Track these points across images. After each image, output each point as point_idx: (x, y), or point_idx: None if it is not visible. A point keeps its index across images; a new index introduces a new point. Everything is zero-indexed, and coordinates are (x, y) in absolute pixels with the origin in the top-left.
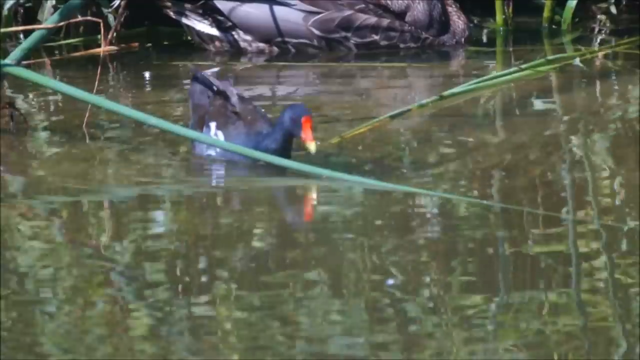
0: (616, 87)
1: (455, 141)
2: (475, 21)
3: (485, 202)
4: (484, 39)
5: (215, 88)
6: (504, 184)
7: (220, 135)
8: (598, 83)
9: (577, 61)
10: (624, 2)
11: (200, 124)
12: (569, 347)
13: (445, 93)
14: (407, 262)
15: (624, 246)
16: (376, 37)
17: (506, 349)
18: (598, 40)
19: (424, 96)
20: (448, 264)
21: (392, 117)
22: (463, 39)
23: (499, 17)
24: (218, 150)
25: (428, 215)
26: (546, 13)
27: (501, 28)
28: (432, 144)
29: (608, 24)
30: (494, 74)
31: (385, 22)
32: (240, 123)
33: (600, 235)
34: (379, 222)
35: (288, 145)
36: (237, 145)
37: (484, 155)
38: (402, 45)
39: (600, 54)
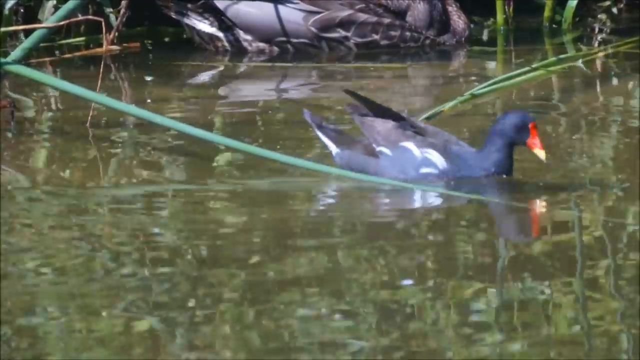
0: (618, 87)
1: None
2: (476, 20)
3: (489, 199)
4: (485, 38)
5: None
6: (508, 183)
7: (434, 154)
8: (599, 82)
9: (579, 61)
10: (624, 2)
11: (368, 150)
12: (571, 348)
13: (476, 91)
14: (411, 261)
15: (627, 244)
16: (376, 37)
17: (512, 350)
18: (598, 40)
19: (427, 96)
20: (452, 261)
21: (427, 118)
22: (463, 39)
23: (500, 17)
24: (446, 167)
25: (434, 213)
26: (547, 12)
27: (502, 27)
28: None
29: (608, 24)
30: (512, 73)
31: (386, 21)
32: (440, 142)
33: (604, 233)
34: (388, 220)
35: (511, 155)
36: (468, 163)
37: None
38: (402, 45)
39: (601, 54)
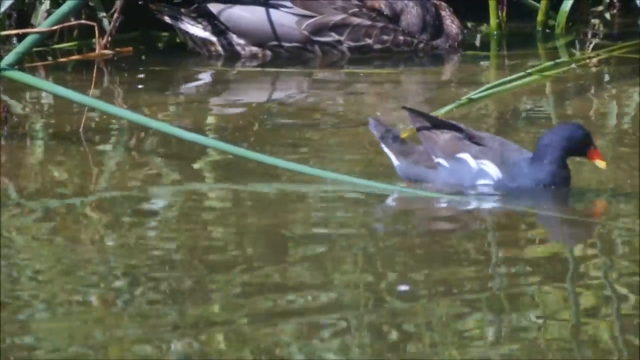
0: (612, 91)
1: None
2: (469, 25)
3: (485, 203)
4: (478, 43)
5: (431, 123)
6: (504, 187)
7: (490, 165)
8: (593, 87)
9: (572, 66)
10: (617, 7)
11: (427, 162)
12: (563, 354)
13: (473, 96)
14: (406, 267)
15: (621, 247)
16: (369, 41)
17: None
18: (592, 45)
19: (420, 101)
20: (444, 265)
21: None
22: (456, 43)
23: (493, 21)
24: (500, 177)
25: (433, 220)
26: (540, 17)
27: (495, 32)
28: None
29: (601, 28)
30: (507, 78)
31: (379, 25)
32: (496, 152)
33: (598, 236)
34: (381, 224)
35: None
36: (522, 174)
37: None
38: (395, 49)
39: (594, 59)
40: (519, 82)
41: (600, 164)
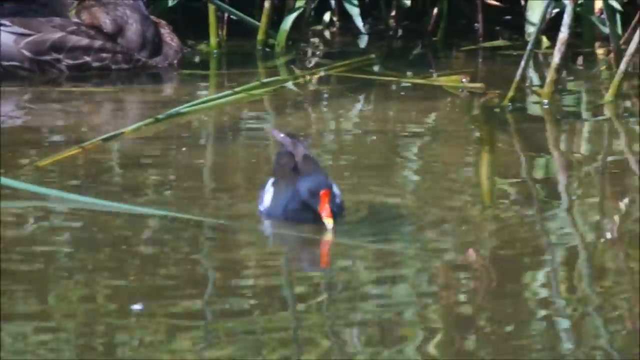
0: (329, 109)
1: (169, 163)
2: (189, 44)
3: (214, 220)
4: (198, 61)
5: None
6: (221, 202)
7: (270, 191)
8: (311, 105)
9: (290, 84)
10: (337, 26)
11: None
12: None
13: (160, 116)
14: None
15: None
16: (88, 59)
17: None
18: (312, 63)
19: (137, 119)
20: (160, 284)
21: (105, 140)
22: (176, 62)
23: (213, 40)
24: (265, 207)
25: (153, 234)
26: (260, 36)
27: (215, 51)
28: (146, 166)
29: (321, 47)
30: (209, 97)
31: (98, 43)
32: (291, 181)
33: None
34: (103, 243)
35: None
36: (279, 202)
37: (199, 176)
38: (114, 67)
39: (314, 77)
40: (217, 102)
41: (327, 221)
